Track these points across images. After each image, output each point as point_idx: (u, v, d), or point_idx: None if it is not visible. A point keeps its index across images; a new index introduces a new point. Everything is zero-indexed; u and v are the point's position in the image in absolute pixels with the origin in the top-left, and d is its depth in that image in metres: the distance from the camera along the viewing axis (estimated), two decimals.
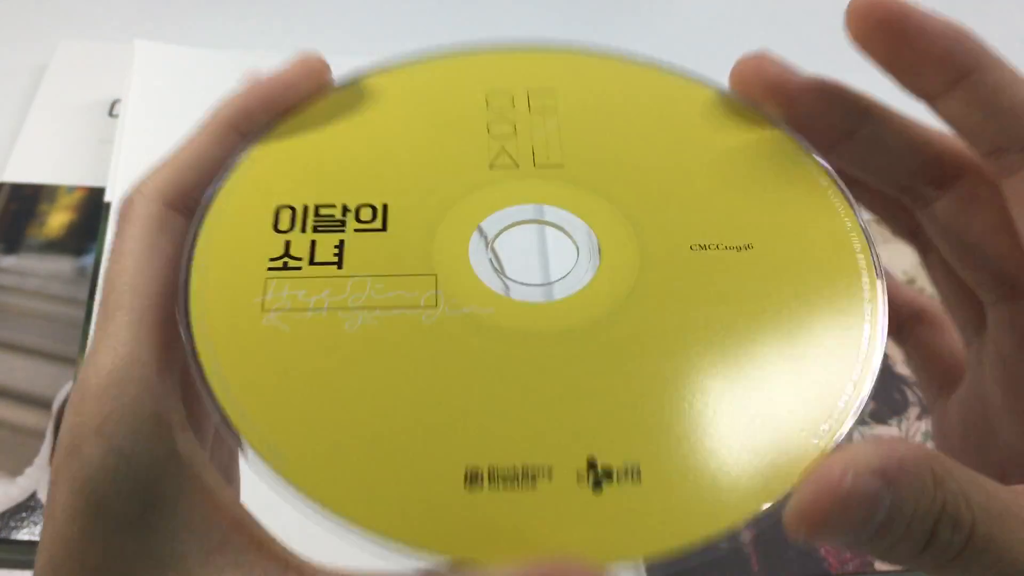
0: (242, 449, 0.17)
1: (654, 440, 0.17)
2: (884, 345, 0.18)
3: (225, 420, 0.17)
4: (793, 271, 0.19)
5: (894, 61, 0.20)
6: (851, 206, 0.20)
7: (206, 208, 0.19)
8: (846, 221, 0.20)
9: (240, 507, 0.17)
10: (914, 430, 0.36)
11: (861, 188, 0.21)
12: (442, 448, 0.17)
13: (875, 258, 0.19)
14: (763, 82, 0.21)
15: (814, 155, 0.21)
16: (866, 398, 0.17)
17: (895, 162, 0.21)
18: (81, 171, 0.37)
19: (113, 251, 0.18)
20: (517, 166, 0.21)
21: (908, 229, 0.22)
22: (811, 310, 0.19)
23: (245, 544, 0.16)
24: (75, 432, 0.16)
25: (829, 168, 0.21)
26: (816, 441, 0.17)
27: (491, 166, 0.21)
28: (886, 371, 0.37)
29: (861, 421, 0.17)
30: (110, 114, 0.43)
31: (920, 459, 0.15)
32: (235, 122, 0.20)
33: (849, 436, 0.17)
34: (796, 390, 0.17)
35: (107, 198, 0.37)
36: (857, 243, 0.19)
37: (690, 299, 0.19)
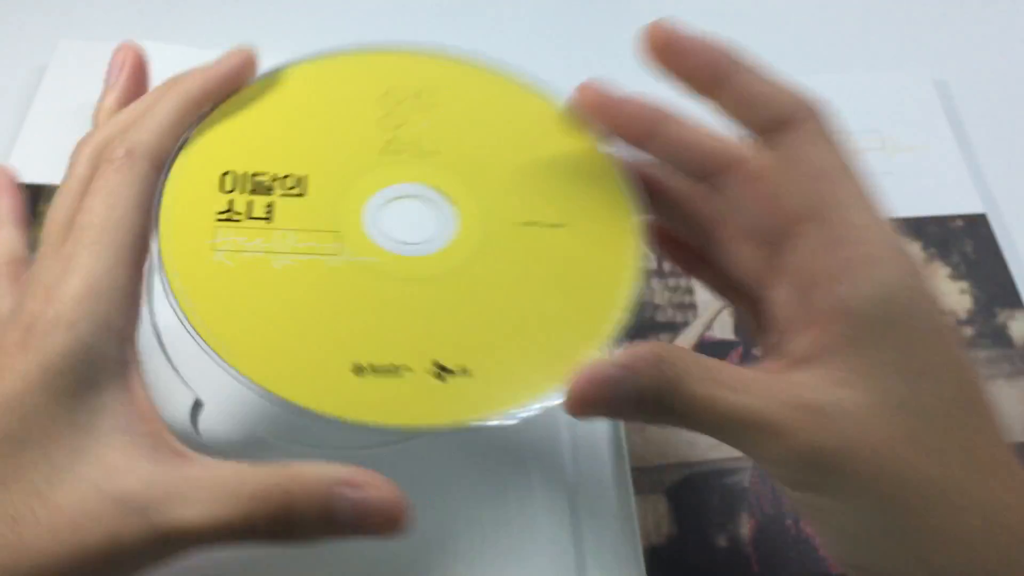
0: (199, 344, 0.24)
1: (479, 350, 0.25)
2: (642, 288, 0.27)
3: (185, 322, 0.24)
4: (590, 241, 0.28)
5: (674, 73, 0.26)
6: (638, 196, 0.28)
7: (169, 169, 0.26)
8: (630, 209, 0.28)
9: (151, 406, 0.23)
10: None
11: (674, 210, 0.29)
12: (339, 348, 0.25)
13: (645, 230, 0.28)
14: (591, 102, 0.28)
15: (617, 162, 0.29)
16: (627, 321, 0.26)
17: (686, 153, 0.27)
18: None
19: (95, 195, 0.24)
20: (401, 153, 0.29)
21: (703, 229, 0.28)
22: (596, 265, 0.27)
23: (146, 431, 0.22)
24: (46, 322, 0.22)
25: (628, 171, 0.29)
26: (589, 352, 0.26)
27: (382, 151, 0.29)
28: None
29: (624, 338, 0.26)
30: None
31: (652, 351, 0.23)
32: (199, 100, 0.27)
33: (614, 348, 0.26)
34: (579, 317, 0.26)
35: None
36: (634, 220, 0.28)
37: (516, 261, 0.27)
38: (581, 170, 0.29)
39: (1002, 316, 0.39)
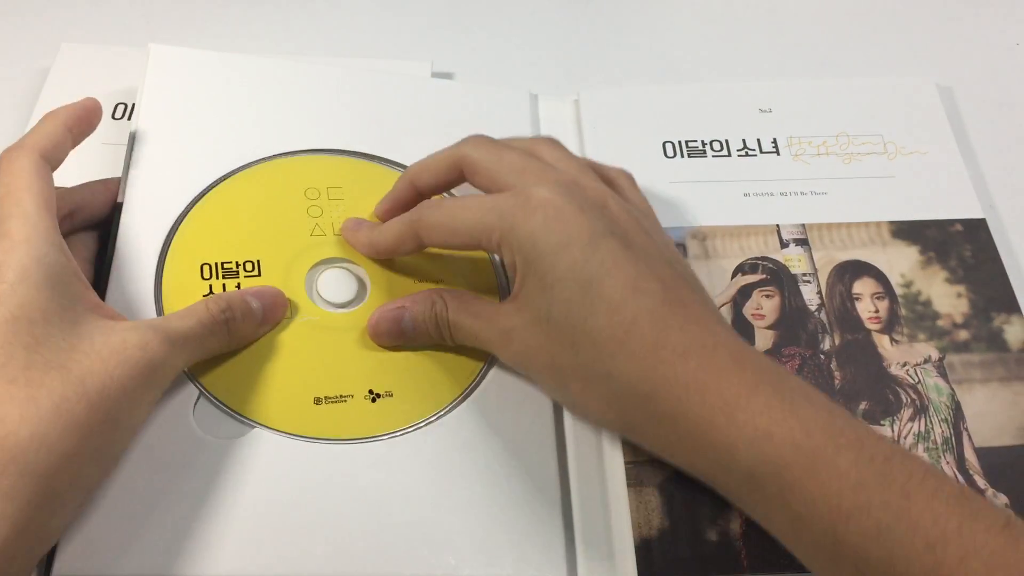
0: (203, 392, 0.34)
1: (399, 377, 0.35)
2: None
3: (193, 379, 0.34)
4: (459, 287, 0.37)
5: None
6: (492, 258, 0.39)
7: (163, 261, 0.36)
8: (491, 271, 0.39)
9: (99, 301, 0.32)
10: (906, 431, 0.36)
11: None
12: (301, 387, 0.34)
13: (500, 275, 0.39)
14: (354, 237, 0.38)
15: None
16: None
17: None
18: (85, 174, 0.37)
19: (5, 172, 0.31)
20: (324, 235, 0.38)
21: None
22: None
23: (100, 315, 0.31)
24: (10, 244, 0.30)
25: None
26: (463, 382, 0.36)
27: (311, 235, 0.38)
28: (881, 373, 0.37)
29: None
30: (112, 117, 0.43)
31: (426, 294, 0.35)
32: (67, 123, 0.34)
33: None
34: (463, 350, 0.36)
35: (119, 199, 0.37)
36: (490, 267, 0.39)
37: None
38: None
39: (998, 320, 0.39)
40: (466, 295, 0.35)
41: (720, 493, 0.31)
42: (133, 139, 0.38)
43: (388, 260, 0.37)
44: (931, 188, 0.43)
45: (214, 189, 0.38)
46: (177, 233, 0.36)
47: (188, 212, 0.37)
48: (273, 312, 0.35)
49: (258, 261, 0.36)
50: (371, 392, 0.35)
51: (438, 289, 0.35)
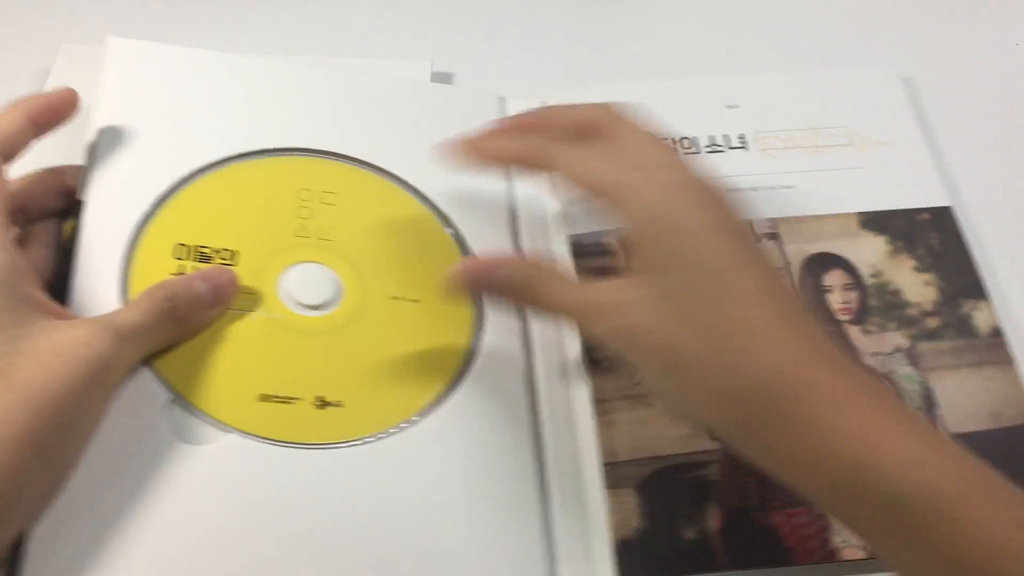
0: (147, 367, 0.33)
1: (351, 389, 0.35)
2: (481, 335, 0.37)
3: (152, 367, 0.33)
4: (437, 314, 0.37)
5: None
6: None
7: (135, 242, 0.35)
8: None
9: (45, 299, 0.31)
10: None
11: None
12: (251, 380, 0.34)
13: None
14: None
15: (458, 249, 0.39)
16: (475, 352, 0.37)
17: None
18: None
19: None
20: (308, 237, 0.38)
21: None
22: (440, 333, 0.37)
23: (44, 313, 0.30)
24: None
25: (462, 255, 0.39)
26: (427, 398, 0.35)
27: (295, 235, 0.38)
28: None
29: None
30: None
31: (527, 255, 0.38)
32: (33, 114, 0.33)
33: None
34: (422, 371, 0.36)
35: (80, 195, 0.36)
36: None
37: (382, 325, 0.37)
38: (438, 259, 0.38)
39: (967, 307, 0.39)
40: (554, 264, 0.36)
41: (831, 514, 0.29)
42: (98, 129, 0.38)
43: (367, 273, 0.37)
44: (897, 178, 0.43)
45: (204, 176, 0.38)
46: (156, 215, 0.36)
47: (172, 195, 0.37)
48: (222, 293, 0.34)
49: (236, 252, 0.36)
50: (320, 399, 0.34)
51: (531, 253, 0.37)
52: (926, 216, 0.42)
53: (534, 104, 0.45)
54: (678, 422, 0.32)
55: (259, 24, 0.50)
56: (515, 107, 0.45)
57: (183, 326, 0.33)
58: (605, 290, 0.30)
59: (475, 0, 0.52)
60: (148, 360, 0.33)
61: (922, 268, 0.40)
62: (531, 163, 0.33)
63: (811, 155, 0.44)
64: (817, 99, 0.46)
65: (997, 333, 0.39)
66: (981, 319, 0.39)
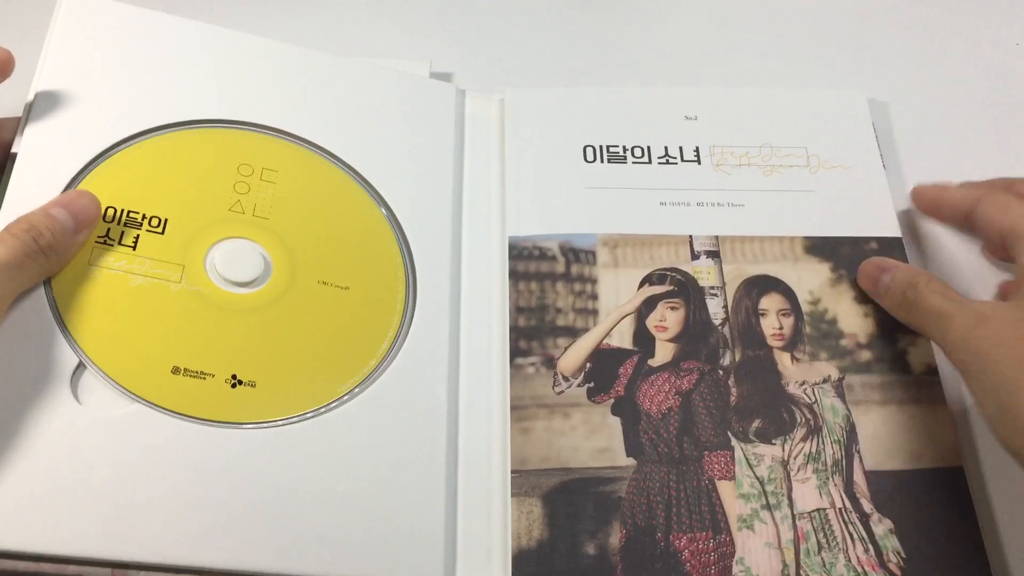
0: (61, 330, 0.33)
1: (266, 370, 0.35)
2: (408, 328, 0.37)
3: (57, 313, 0.33)
4: (366, 302, 0.37)
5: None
6: (404, 257, 0.39)
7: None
8: (401, 277, 0.39)
9: None
10: (797, 451, 0.36)
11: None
12: (165, 351, 0.34)
13: (409, 277, 0.39)
14: (926, 201, 0.43)
15: (397, 236, 0.39)
16: (398, 344, 0.37)
17: (986, 233, 0.40)
18: None
19: None
20: (243, 213, 0.37)
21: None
22: (367, 321, 0.37)
23: None
24: None
25: (403, 245, 0.39)
26: (344, 387, 0.35)
27: (230, 209, 0.37)
28: (778, 391, 0.37)
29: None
30: None
31: (912, 267, 0.40)
32: None
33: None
34: (344, 359, 0.36)
35: (14, 148, 0.36)
36: (402, 271, 0.39)
37: (309, 310, 0.36)
38: (372, 245, 0.39)
39: (903, 342, 0.39)
40: (927, 273, 0.38)
41: None
42: (39, 86, 0.37)
43: (300, 255, 0.37)
44: (850, 204, 0.42)
45: (143, 141, 0.37)
46: (88, 175, 0.36)
47: (107, 156, 0.36)
48: (84, 216, 0.34)
49: (166, 220, 0.36)
50: (234, 377, 0.34)
51: (924, 270, 0.39)
52: (874, 246, 0.41)
53: (493, 100, 0.45)
54: (1002, 443, 0.32)
55: (259, 24, 0.49)
56: (473, 102, 0.45)
57: (52, 256, 0.33)
58: (979, 304, 0.35)
59: (475, 0, 0.51)
60: (61, 322, 0.33)
61: (862, 299, 0.40)
62: (968, 209, 0.39)
63: (765, 174, 0.43)
64: (779, 117, 0.45)
65: (931, 371, 0.38)
66: (916, 356, 0.39)
